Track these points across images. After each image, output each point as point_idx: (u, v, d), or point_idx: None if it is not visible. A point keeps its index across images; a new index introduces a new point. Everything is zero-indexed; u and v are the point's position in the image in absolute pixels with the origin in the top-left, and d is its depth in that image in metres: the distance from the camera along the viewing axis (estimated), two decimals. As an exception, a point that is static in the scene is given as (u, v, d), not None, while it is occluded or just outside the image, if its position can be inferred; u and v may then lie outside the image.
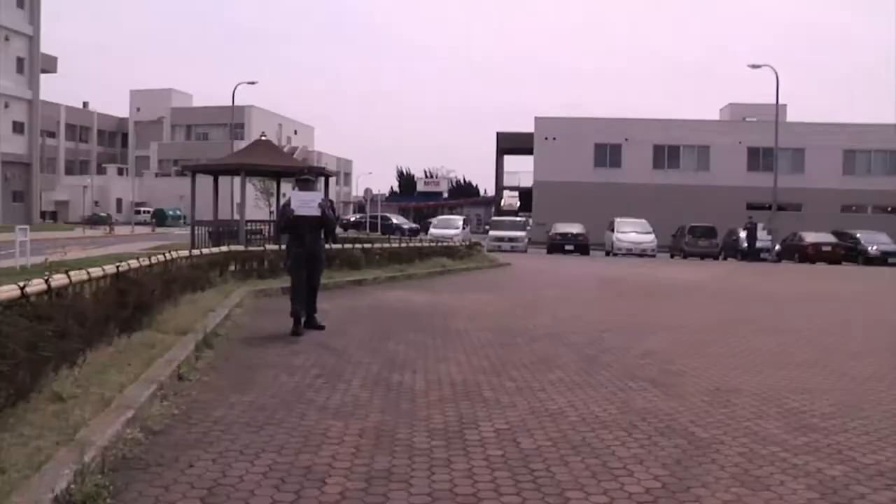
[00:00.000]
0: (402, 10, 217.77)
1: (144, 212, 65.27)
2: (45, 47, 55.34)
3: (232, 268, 12.82)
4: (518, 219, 41.17)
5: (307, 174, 9.22)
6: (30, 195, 53.06)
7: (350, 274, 15.31)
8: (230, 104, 45.34)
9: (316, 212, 8.42)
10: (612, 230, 36.26)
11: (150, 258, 8.83)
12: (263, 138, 25.11)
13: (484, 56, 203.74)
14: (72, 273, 6.08)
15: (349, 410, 5.16)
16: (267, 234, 25.34)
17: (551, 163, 51.42)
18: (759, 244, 33.28)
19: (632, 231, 35.87)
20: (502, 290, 14.74)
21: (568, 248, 35.43)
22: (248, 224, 26.56)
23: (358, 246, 16.90)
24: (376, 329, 8.94)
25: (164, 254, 9.75)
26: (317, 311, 8.90)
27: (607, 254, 35.92)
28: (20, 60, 51.78)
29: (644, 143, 50.96)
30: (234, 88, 43.20)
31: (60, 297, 5.77)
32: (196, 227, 23.48)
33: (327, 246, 16.51)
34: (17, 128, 51.86)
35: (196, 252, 11.31)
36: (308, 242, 8.49)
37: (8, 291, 4.99)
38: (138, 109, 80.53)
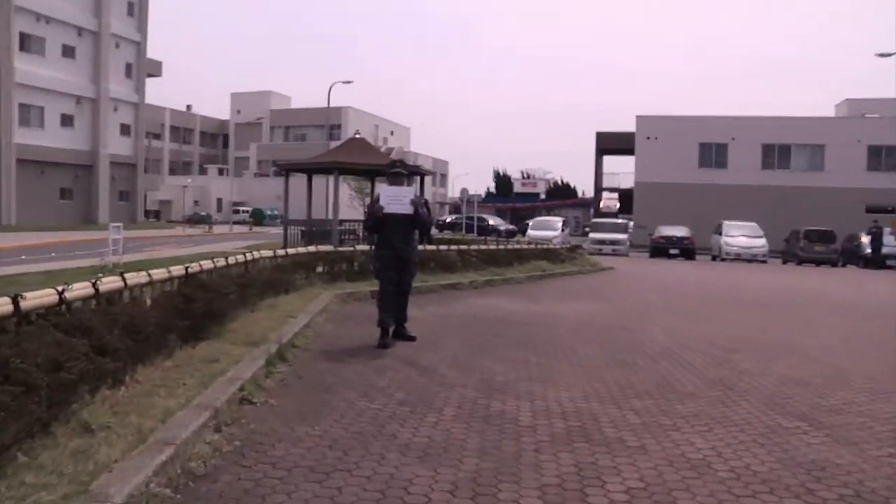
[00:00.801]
0: (497, 11, 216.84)
1: (243, 211, 66.45)
2: (152, 53, 56.99)
3: (319, 269, 12.08)
4: (620, 221, 39.48)
5: (398, 167, 8.10)
6: (134, 195, 54.61)
7: (444, 277, 14.38)
8: (331, 107, 45.43)
9: (407, 209, 7.43)
10: (720, 234, 34.13)
11: (226, 259, 8.11)
12: (358, 136, 24.60)
13: (583, 55, 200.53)
14: (129, 276, 5.32)
15: (439, 452, 4.15)
16: (360, 234, 24.87)
17: (653, 163, 49.39)
18: (885, 250, 30.59)
19: (741, 235, 33.67)
20: (607, 298, 13.49)
21: (672, 252, 33.60)
22: (342, 224, 26.17)
23: (453, 248, 15.97)
24: (471, 342, 7.93)
25: (244, 254, 9.04)
26: (407, 321, 7.97)
27: (714, 259, 33.88)
28: (128, 66, 53.34)
29: (752, 143, 48.21)
30: (330, 88, 43.33)
31: (111, 303, 5.01)
32: (289, 227, 23.15)
33: (421, 247, 15.77)
34: (124, 130, 53.41)
35: (280, 252, 10.59)
36: (399, 243, 7.56)
37: (43, 297, 4.22)
38: (238, 112, 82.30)
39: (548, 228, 36.58)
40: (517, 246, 19.97)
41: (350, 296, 11.05)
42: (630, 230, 36.40)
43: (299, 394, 5.35)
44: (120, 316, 4.77)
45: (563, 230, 37.30)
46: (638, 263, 27.24)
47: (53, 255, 22.87)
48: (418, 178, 24.95)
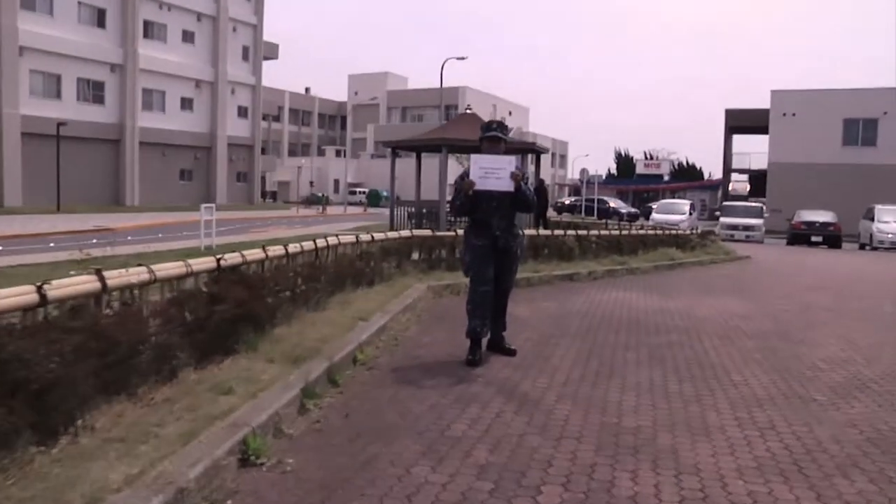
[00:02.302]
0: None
1: (360, 192, 66.34)
2: (269, 36, 57.28)
3: (415, 256, 10.50)
4: (754, 204, 36.14)
5: (495, 129, 5.81)
6: (252, 176, 55.13)
7: (560, 266, 12.53)
8: (447, 87, 44.07)
9: (506, 185, 5.54)
10: (872, 219, 30.39)
11: (286, 247, 6.61)
12: (469, 111, 22.93)
13: (707, 30, 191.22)
14: (110, 274, 3.85)
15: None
16: (445, 216, 23.20)
17: (789, 142, 45.29)
18: None
19: (896, 221, 29.89)
20: (753, 295, 11.24)
21: (815, 239, 30.22)
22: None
23: (571, 233, 14.07)
24: (591, 356, 6.08)
25: (314, 240, 7.55)
26: (506, 329, 6.18)
27: (862, 247, 30.26)
28: (245, 49, 53.74)
29: (909, 117, 43.26)
30: (443, 64, 41.97)
31: (77, 314, 3.53)
32: (396, 208, 21.83)
33: (532, 232, 13.92)
34: (242, 112, 53.89)
35: (365, 237, 9.06)
36: (496, 230, 5.74)
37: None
38: (356, 93, 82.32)
39: (674, 212, 33.79)
40: (642, 231, 17.82)
41: (447, 288, 9.40)
42: (766, 215, 33.11)
43: (335, 446, 3.68)
44: (74, 335, 3.27)
45: (690, 214, 34.47)
46: (777, 252, 24.36)
47: (160, 235, 22.60)
48: (534, 155, 23.17)
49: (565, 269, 12.42)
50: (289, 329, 5.61)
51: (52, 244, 18.87)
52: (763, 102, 47.68)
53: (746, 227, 31.28)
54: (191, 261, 4.98)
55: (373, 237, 9.22)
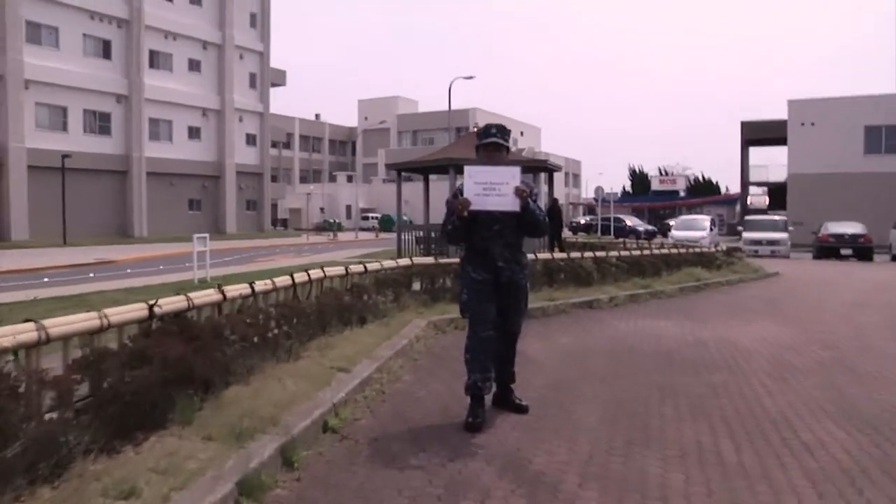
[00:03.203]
0: (623, 8, 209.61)
1: (372, 217, 65.53)
2: (277, 63, 56.92)
3: (417, 287, 9.45)
4: (778, 218, 34.75)
5: (495, 134, 4.70)
6: (262, 203, 54.45)
7: (577, 293, 11.43)
8: (457, 109, 43.27)
9: (510, 204, 4.44)
10: (904, 229, 29.03)
11: (251, 286, 5.57)
12: (476, 130, 22.00)
13: (720, 43, 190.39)
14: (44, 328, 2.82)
15: None
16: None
17: (810, 152, 43.94)
18: None
19: (930, 230, 28.50)
20: (793, 318, 10.04)
21: (844, 252, 28.83)
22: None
23: (588, 255, 12.96)
24: (619, 411, 4.92)
25: (290, 274, 6.52)
26: (514, 380, 5.05)
27: (894, 259, 28.90)
28: (252, 76, 53.31)
29: (932, 123, 41.80)
30: (451, 84, 40.90)
31: None
32: (403, 233, 20.83)
33: (545, 256, 12.74)
34: (250, 140, 53.35)
35: (356, 269, 8.01)
36: (499, 260, 4.65)
37: None
38: (366, 118, 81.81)
39: (694, 228, 32.46)
40: (664, 250, 16.67)
41: (451, 323, 8.32)
42: (791, 228, 31.77)
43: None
44: None
45: (711, 230, 33.15)
46: (806, 267, 23.07)
47: (161, 267, 21.79)
48: (547, 174, 22.09)
49: (583, 295, 11.32)
50: (246, 389, 4.55)
51: (45, 279, 18.10)
52: (780, 113, 46.51)
53: (771, 242, 29.98)
54: (114, 309, 3.96)
55: (366, 268, 8.18)
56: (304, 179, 79.94)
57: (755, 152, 58.12)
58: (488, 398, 4.78)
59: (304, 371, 5.16)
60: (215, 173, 49.80)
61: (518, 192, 4.44)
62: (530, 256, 11.67)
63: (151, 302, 4.22)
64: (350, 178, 78.03)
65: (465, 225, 4.56)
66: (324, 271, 7.22)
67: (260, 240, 42.27)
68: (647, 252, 15.36)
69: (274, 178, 68.95)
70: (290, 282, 6.36)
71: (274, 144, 67.14)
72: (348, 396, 4.83)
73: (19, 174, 37.29)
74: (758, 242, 29.69)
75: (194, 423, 3.80)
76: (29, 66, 37.57)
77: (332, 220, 59.45)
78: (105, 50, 42.78)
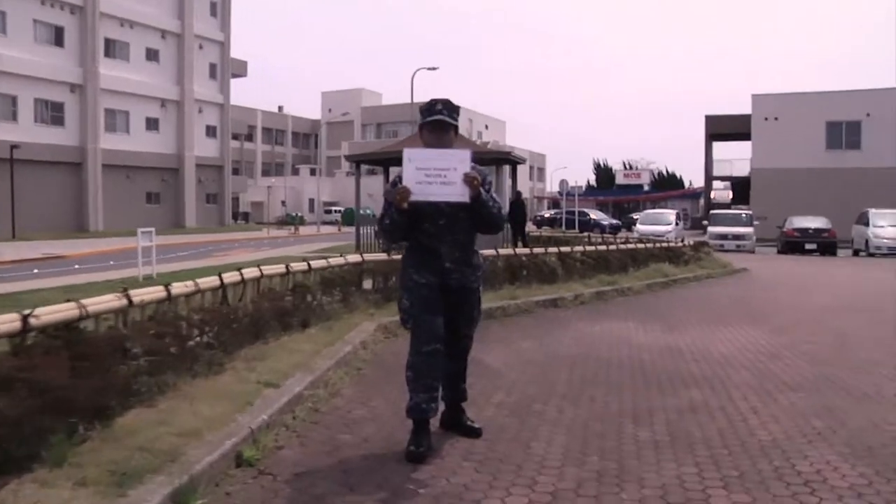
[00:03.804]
0: (587, 4, 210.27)
1: (335, 211, 64.56)
2: (239, 54, 55.59)
3: (368, 285, 8.75)
4: (743, 212, 34.59)
5: (441, 111, 3.96)
6: (222, 197, 53.21)
7: (541, 290, 10.83)
8: (422, 102, 42.33)
9: (458, 193, 3.73)
10: (866, 224, 28.91)
11: (167, 289, 4.86)
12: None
13: (678, 42, 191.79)
14: None
15: None
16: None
17: (772, 147, 44.05)
18: None
19: (892, 226, 28.44)
20: (768, 320, 9.45)
21: (809, 246, 28.69)
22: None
23: (552, 251, 12.35)
24: (588, 438, 4.19)
25: (219, 274, 5.80)
26: (466, 398, 4.37)
27: (856, 253, 28.85)
28: (213, 66, 51.99)
29: (891, 119, 41.98)
30: (413, 75, 40.13)
31: None
32: (361, 227, 20.14)
33: (507, 252, 12.08)
34: (211, 132, 52.09)
35: (299, 266, 7.30)
36: (446, 261, 3.97)
37: None
38: (330, 110, 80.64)
39: (660, 222, 32.23)
40: (630, 245, 16.15)
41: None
42: (756, 223, 31.59)
43: None
44: None
45: (677, 224, 32.94)
46: (772, 262, 22.78)
47: (112, 263, 20.80)
48: (510, 167, 21.50)
49: (548, 292, 10.73)
50: (149, 412, 3.85)
51: (-19, 276, 17.10)
52: (743, 108, 46.54)
53: (736, 237, 29.78)
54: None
55: (309, 266, 7.47)
56: (266, 172, 78.62)
57: (719, 147, 58.30)
58: (436, 420, 4.11)
59: (224, 388, 4.46)
60: (174, 166, 48.52)
61: (468, 179, 3.71)
62: (490, 252, 11.09)
63: (26, 312, 3.49)
64: (313, 172, 76.85)
65: (404, 219, 3.83)
66: (261, 270, 6.51)
67: (220, 234, 41.19)
68: (613, 247, 14.82)
69: (236, 171, 67.55)
70: (217, 283, 5.63)
71: (236, 137, 65.74)
72: (272, 419, 4.13)
73: (-35, 166, 35.88)
74: (723, 237, 29.44)
75: (68, 462, 3.09)
76: (-27, 53, 36.12)
77: (293, 214, 58.38)
78: (57, 37, 41.33)
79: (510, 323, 8.68)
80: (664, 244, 17.63)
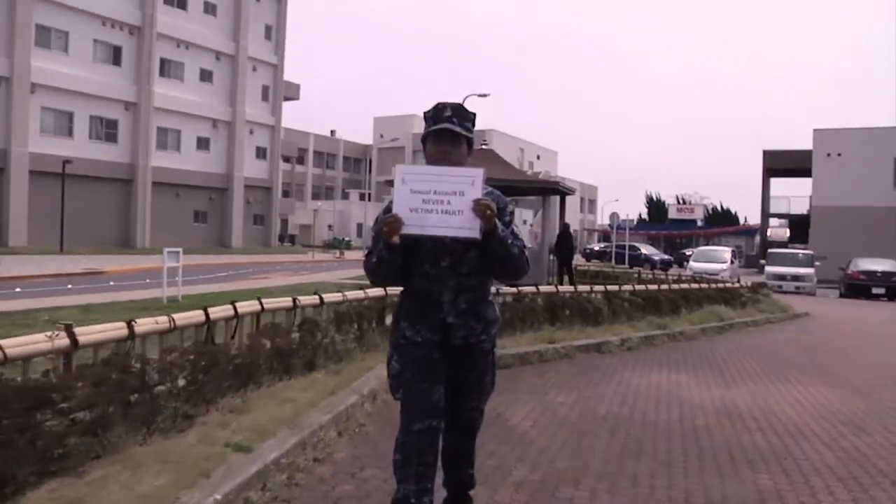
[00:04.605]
0: (642, 36, 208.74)
1: (382, 237, 64.14)
2: (292, 77, 55.97)
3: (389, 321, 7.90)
4: (803, 252, 32.95)
5: (449, 118, 2.98)
6: (269, 219, 53.14)
7: (584, 333, 9.86)
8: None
9: (466, 228, 2.81)
10: (940, 268, 27.19)
11: (130, 326, 4.09)
12: (485, 146, 20.50)
13: (739, 74, 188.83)
14: None
15: None
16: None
17: (835, 184, 42.28)
18: None
19: (967, 271, 26.69)
20: (841, 375, 8.33)
21: (876, 291, 26.97)
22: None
23: (598, 290, 11.39)
24: None
25: (204, 309, 5.03)
26: (473, 485, 3.41)
27: (925, 300, 27.11)
28: (265, 88, 52.21)
29: (965, 156, 39.95)
30: (463, 101, 39.35)
31: None
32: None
33: (548, 289, 11.16)
34: (261, 153, 52.16)
35: (308, 300, 6.51)
36: (448, 313, 3.04)
37: None
38: (381, 136, 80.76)
39: (714, 260, 30.75)
40: (683, 285, 15.06)
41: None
42: (818, 264, 29.98)
43: None
44: None
45: (732, 262, 31.40)
46: (836, 307, 21.34)
47: (147, 281, 20.44)
48: (559, 197, 20.53)
49: (591, 336, 9.76)
50: (70, 487, 3.05)
51: (17, 289, 16.78)
52: (803, 144, 44.87)
53: (796, 277, 28.26)
54: None
55: (321, 299, 6.67)
56: (316, 196, 78.80)
57: (776, 183, 56.46)
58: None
59: (182, 451, 3.65)
60: (223, 186, 48.61)
61: (479, 208, 2.76)
62: (530, 289, 10.14)
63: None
64: (363, 196, 76.87)
65: (396, 257, 2.92)
66: (261, 304, 5.73)
67: (264, 255, 40.94)
68: (664, 287, 13.77)
69: (286, 194, 67.79)
70: (202, 318, 4.86)
71: (287, 159, 66.06)
72: (229, 499, 3.30)
73: (20, 179, 36.35)
74: (782, 277, 27.95)
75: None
76: (36, 69, 36.70)
77: (340, 238, 58.11)
78: (115, 56, 41.84)
79: (546, 370, 7.76)
80: (720, 285, 16.48)
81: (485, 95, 39.54)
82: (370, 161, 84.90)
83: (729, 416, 5.86)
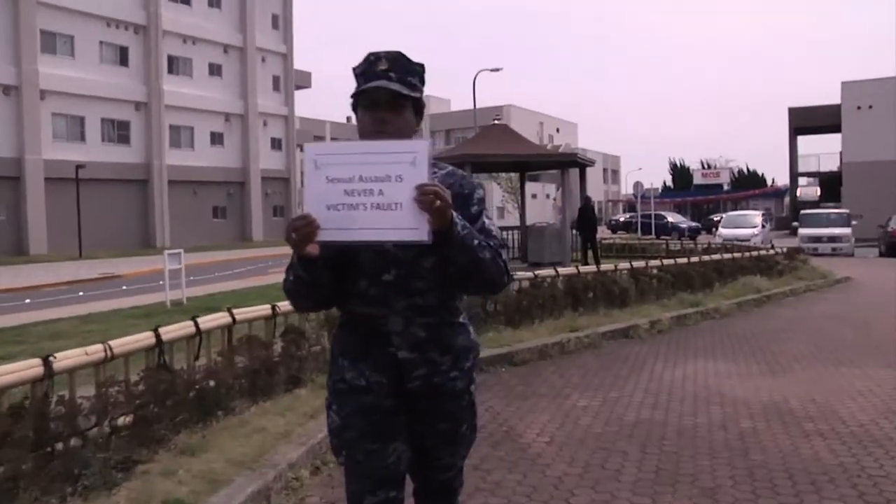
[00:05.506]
0: (667, 6, 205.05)
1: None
2: (303, 66, 55.20)
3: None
4: (839, 210, 31.56)
5: (385, 71, 2.10)
6: (289, 209, 52.62)
7: (610, 316, 9.03)
8: (488, 106, 41.06)
9: (407, 228, 1.88)
10: None
11: (46, 363, 3.36)
12: (497, 121, 19.67)
13: (755, 30, 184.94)
14: None
15: None
16: (512, 244, 19.85)
17: (866, 138, 40.83)
18: None
19: None
20: (898, 350, 7.50)
21: (920, 249, 25.68)
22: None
23: (623, 268, 10.53)
24: None
25: (154, 330, 4.30)
26: None
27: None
28: (276, 79, 51.51)
29: None
30: (475, 77, 38.65)
31: None
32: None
33: (568, 271, 10.12)
34: (276, 144, 51.57)
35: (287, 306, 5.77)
36: (399, 344, 2.14)
37: None
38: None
39: (744, 225, 29.49)
40: (715, 256, 14.12)
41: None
42: (854, 222, 28.68)
43: None
44: None
45: (763, 226, 30.11)
46: (879, 268, 20.17)
47: (161, 283, 19.95)
48: (578, 170, 19.58)
49: (617, 320, 8.94)
50: None
51: (27, 300, 16.34)
52: (830, 98, 43.32)
53: (832, 238, 27.03)
54: None
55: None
56: (335, 183, 78.43)
57: (804, 141, 54.84)
58: None
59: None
60: (240, 179, 48.14)
61: (423, 198, 1.85)
62: (548, 272, 9.31)
63: None
64: (382, 181, 76.25)
65: (316, 274, 2.06)
66: (232, 315, 4.99)
67: (286, 248, 40.34)
68: (694, 259, 12.86)
69: (300, 183, 67.30)
70: (152, 341, 4.13)
71: (302, 148, 65.56)
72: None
73: (36, 186, 36.19)
74: (817, 239, 26.72)
75: None
76: (44, 76, 36.43)
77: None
78: (122, 57, 41.39)
79: (568, 364, 6.96)
80: (753, 253, 15.52)
81: (497, 70, 38.51)
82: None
83: (780, 417, 5.01)
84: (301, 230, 1.92)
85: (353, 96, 2.16)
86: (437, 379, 2.16)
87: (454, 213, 1.91)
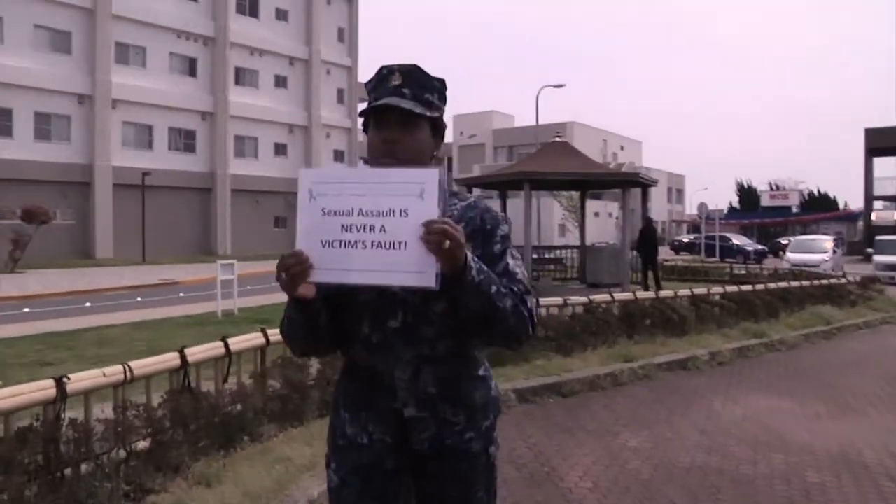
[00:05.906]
0: (732, 14, 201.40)
1: (461, 236, 63.49)
2: (365, 77, 55.75)
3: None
4: (916, 237, 30.03)
5: (398, 87, 1.87)
6: (347, 222, 53.11)
7: (667, 346, 8.60)
8: (552, 123, 40.74)
9: (412, 271, 1.59)
10: None
11: (55, 385, 3.19)
12: (559, 138, 19.33)
13: (831, 51, 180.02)
14: None
15: None
16: (571, 264, 19.48)
17: (950, 162, 39.01)
18: None
19: None
20: None
21: None
22: (539, 253, 20.86)
23: (683, 294, 10.07)
24: None
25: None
26: None
27: None
28: (340, 91, 52.16)
29: None
30: (538, 93, 38.15)
31: None
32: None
33: (624, 297, 9.72)
34: (338, 156, 52.10)
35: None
36: (405, 397, 1.85)
37: None
38: (462, 133, 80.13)
39: (814, 250, 28.24)
40: (782, 284, 13.48)
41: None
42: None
43: None
44: None
45: (834, 252, 28.82)
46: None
47: (214, 292, 20.14)
48: (640, 189, 19.08)
49: (675, 349, 8.51)
50: None
51: (87, 303, 16.62)
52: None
53: (910, 267, 25.70)
54: None
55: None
56: (392, 197, 78.80)
57: (881, 163, 52.76)
58: None
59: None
60: (302, 190, 48.74)
61: (430, 237, 1.57)
62: (603, 298, 8.92)
63: None
64: (444, 195, 76.24)
65: (311, 317, 1.81)
66: (266, 335, 4.79)
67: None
68: (759, 286, 12.29)
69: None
70: (177, 362, 3.95)
71: (366, 161, 65.97)
72: None
73: (105, 192, 37.27)
74: (894, 267, 25.40)
75: None
76: (116, 85, 37.61)
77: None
78: (191, 68, 42.41)
79: (619, 398, 6.59)
80: (823, 281, 14.80)
81: (560, 86, 38.09)
82: (451, 159, 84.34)
83: (851, 470, 4.56)
84: (292, 269, 1.66)
85: (362, 114, 1.91)
86: (448, 440, 1.86)
87: (469, 255, 1.63)
